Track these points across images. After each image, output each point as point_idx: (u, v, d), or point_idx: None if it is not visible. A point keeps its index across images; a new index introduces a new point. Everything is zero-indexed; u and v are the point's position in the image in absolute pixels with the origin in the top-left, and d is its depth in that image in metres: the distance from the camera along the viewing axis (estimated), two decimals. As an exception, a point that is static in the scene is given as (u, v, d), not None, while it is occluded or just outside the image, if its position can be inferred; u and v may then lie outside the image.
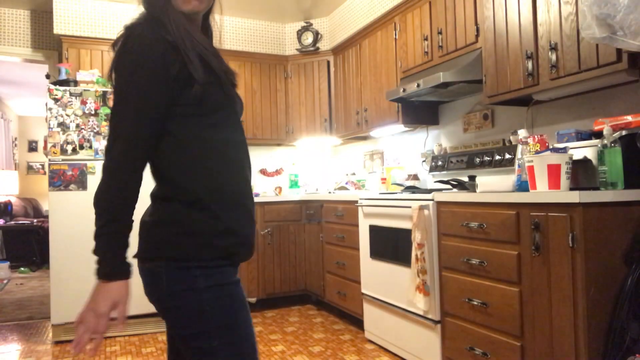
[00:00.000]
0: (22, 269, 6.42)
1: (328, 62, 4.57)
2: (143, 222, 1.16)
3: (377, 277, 3.06)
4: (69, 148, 3.40)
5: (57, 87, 3.42)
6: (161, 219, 1.12)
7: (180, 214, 1.09)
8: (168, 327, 1.21)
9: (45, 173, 9.11)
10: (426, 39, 3.13)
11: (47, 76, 3.91)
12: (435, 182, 3.12)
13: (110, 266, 1.04)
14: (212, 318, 1.08)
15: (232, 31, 4.48)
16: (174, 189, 1.12)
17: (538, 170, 1.95)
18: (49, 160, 3.36)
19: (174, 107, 1.09)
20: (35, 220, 7.07)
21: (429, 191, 2.74)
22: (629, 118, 1.98)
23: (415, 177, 3.64)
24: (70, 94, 3.42)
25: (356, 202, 3.34)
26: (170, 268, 1.08)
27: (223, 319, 1.09)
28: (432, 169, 3.42)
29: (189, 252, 1.08)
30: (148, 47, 1.05)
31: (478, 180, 2.37)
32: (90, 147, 3.45)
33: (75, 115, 3.42)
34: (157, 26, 1.09)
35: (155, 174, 1.17)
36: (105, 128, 3.48)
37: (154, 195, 1.18)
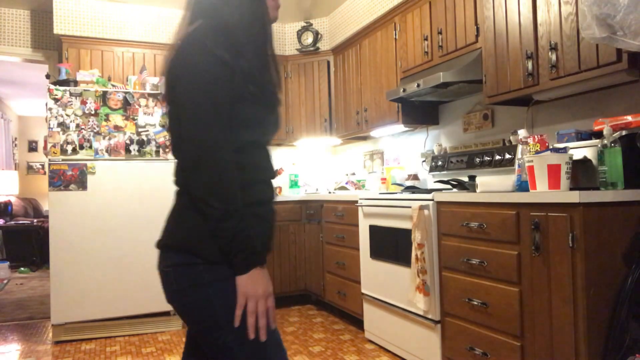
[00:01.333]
0: (22, 269, 6.42)
1: (328, 62, 4.57)
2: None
3: (377, 277, 3.06)
4: (69, 148, 3.40)
5: (57, 87, 3.42)
6: (172, 216, 1.18)
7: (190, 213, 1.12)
8: (188, 326, 1.25)
9: (45, 173, 9.11)
10: (426, 39, 3.13)
11: (47, 76, 3.91)
12: (435, 182, 3.12)
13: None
14: (220, 310, 1.09)
15: (232, 31, 4.48)
16: None
17: (538, 170, 1.95)
18: (49, 160, 3.36)
19: None
20: (35, 220, 7.07)
21: (429, 191, 2.73)
22: (629, 118, 1.98)
23: (415, 177, 3.64)
24: (70, 94, 3.42)
25: (356, 202, 3.34)
26: (176, 267, 1.11)
27: (232, 312, 1.09)
28: (432, 169, 3.42)
29: (193, 247, 1.10)
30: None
31: (478, 180, 2.37)
32: (90, 147, 3.45)
33: (75, 115, 3.42)
34: None
35: None
36: (105, 128, 3.48)
37: None
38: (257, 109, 1.15)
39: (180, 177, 1.15)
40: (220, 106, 1.07)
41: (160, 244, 1.17)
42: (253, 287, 1.07)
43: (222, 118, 1.07)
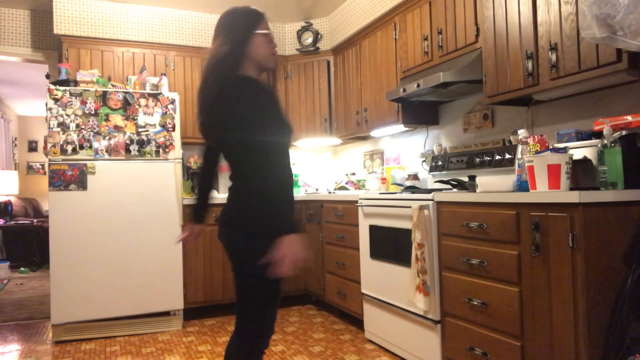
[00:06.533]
0: (22, 269, 6.42)
1: (328, 62, 4.57)
2: None
3: (377, 277, 3.06)
4: (69, 148, 3.40)
5: (57, 87, 3.42)
6: None
7: None
8: None
9: (45, 173, 9.11)
10: (426, 39, 3.13)
11: (47, 76, 3.91)
12: (435, 182, 3.12)
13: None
14: None
15: (232, 31, 4.47)
16: None
17: (538, 170, 1.95)
18: (49, 160, 3.37)
19: None
20: (35, 220, 7.06)
21: (429, 191, 2.73)
22: (629, 118, 1.98)
23: (415, 177, 3.64)
24: (70, 94, 3.42)
25: (356, 202, 3.34)
26: None
27: None
28: (432, 169, 3.42)
29: None
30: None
31: (478, 180, 2.37)
32: (90, 147, 3.45)
33: (75, 115, 3.42)
34: None
35: None
36: (105, 128, 3.48)
37: None
38: None
39: None
40: None
41: None
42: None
43: None
